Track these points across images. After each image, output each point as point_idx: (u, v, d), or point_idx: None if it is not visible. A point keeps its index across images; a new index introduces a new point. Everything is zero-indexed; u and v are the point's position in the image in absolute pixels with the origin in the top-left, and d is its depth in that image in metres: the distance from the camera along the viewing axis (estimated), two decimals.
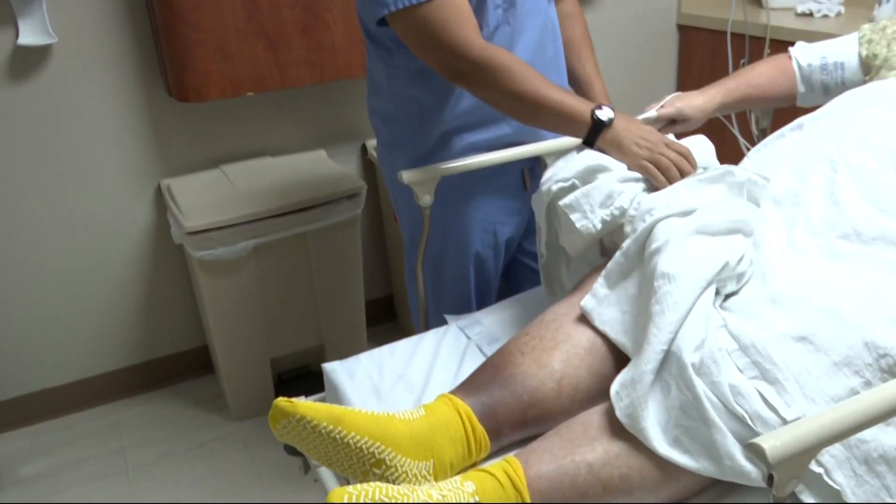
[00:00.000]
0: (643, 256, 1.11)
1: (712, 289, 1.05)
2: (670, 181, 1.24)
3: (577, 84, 1.58)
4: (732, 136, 2.55)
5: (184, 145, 2.19)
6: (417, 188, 1.42)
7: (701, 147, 1.35)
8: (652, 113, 1.57)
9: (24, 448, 2.18)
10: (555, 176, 1.27)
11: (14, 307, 2.18)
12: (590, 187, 1.22)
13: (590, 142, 1.29)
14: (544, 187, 1.27)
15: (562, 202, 1.24)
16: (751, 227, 1.16)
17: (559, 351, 1.13)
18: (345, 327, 2.27)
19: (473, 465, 1.09)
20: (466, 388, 1.11)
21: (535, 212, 1.33)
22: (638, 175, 1.25)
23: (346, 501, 0.87)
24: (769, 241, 1.19)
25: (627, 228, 1.17)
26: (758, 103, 1.66)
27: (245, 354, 2.15)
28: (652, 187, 1.25)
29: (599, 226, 1.21)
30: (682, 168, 1.24)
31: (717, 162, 1.35)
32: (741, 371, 0.99)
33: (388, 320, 2.63)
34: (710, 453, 0.95)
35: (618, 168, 1.25)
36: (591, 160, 1.26)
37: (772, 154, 1.39)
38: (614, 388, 1.02)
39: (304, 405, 1.00)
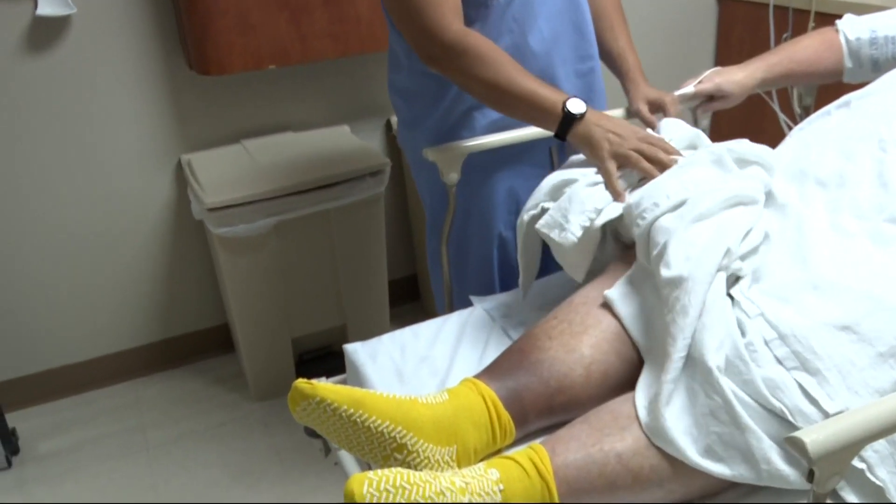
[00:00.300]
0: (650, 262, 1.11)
1: (721, 281, 1.03)
2: (651, 171, 1.21)
3: (609, 58, 1.55)
4: (773, 113, 2.50)
5: (204, 119, 2.19)
6: (443, 165, 1.40)
7: (678, 128, 1.31)
8: (689, 89, 1.54)
9: (44, 424, 2.21)
10: (525, 206, 1.29)
11: (33, 283, 2.20)
12: (560, 201, 1.23)
13: (561, 135, 1.28)
14: (518, 220, 1.29)
15: (537, 225, 1.24)
16: (752, 193, 1.15)
17: (588, 336, 1.11)
18: (367, 307, 2.27)
19: (497, 452, 1.08)
20: (492, 373, 1.10)
21: (518, 246, 1.33)
22: (601, 179, 1.23)
23: (366, 487, 0.86)
24: (811, 224, 1.16)
25: (634, 230, 1.16)
26: (801, 79, 1.61)
27: (265, 334, 2.16)
28: (631, 183, 1.23)
29: (579, 232, 1.19)
30: (658, 158, 1.22)
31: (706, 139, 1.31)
32: (780, 362, 0.97)
33: (411, 301, 2.62)
34: (746, 459, 0.94)
35: (583, 176, 1.25)
36: (555, 178, 1.26)
37: (816, 133, 1.36)
38: (640, 400, 1.01)
39: (323, 387, 0.99)
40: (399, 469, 0.90)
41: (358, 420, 0.99)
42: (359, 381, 1.28)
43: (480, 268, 1.59)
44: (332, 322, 2.25)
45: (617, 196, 1.23)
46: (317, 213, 2.04)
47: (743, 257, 1.09)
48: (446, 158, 1.40)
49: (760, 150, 1.28)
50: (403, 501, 0.87)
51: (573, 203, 1.22)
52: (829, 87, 1.72)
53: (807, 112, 1.74)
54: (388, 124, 2.38)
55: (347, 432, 1.00)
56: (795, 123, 1.91)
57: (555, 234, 1.22)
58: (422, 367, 1.27)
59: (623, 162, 1.23)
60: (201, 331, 2.42)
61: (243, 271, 2.05)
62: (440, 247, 1.56)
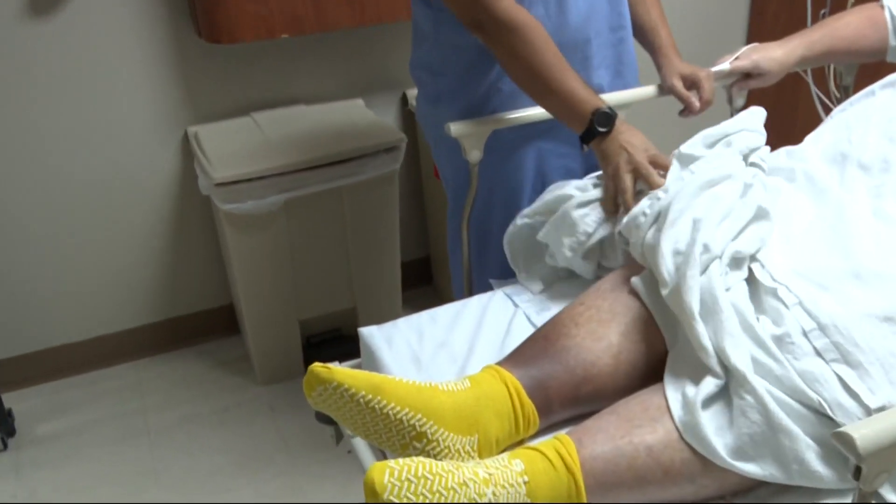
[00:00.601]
0: None
1: (714, 278, 1.03)
2: (651, 186, 1.24)
3: (641, 32, 1.54)
4: (807, 94, 2.48)
5: (213, 90, 2.19)
6: (466, 142, 1.40)
7: (754, 119, 1.31)
8: (725, 66, 1.53)
9: (42, 405, 2.23)
10: (521, 213, 1.38)
11: (32, 258, 2.21)
12: (555, 219, 1.32)
13: (584, 141, 1.32)
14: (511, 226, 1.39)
15: (539, 236, 1.34)
16: (723, 172, 1.15)
17: (617, 323, 1.11)
18: (379, 290, 2.27)
19: (520, 443, 1.08)
20: (515, 360, 1.10)
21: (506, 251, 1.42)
22: (595, 196, 1.30)
23: (387, 476, 0.86)
24: (853, 209, 1.16)
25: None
26: (842, 58, 1.60)
27: (273, 315, 2.17)
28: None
29: (570, 254, 1.29)
30: (651, 181, 1.25)
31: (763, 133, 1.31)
32: (819, 354, 0.97)
33: (423, 284, 2.63)
34: (777, 459, 0.94)
35: (579, 193, 1.32)
36: (556, 190, 1.35)
37: (858, 114, 1.35)
38: (670, 392, 1.01)
39: (341, 372, 1.00)
40: (421, 458, 0.90)
41: (376, 407, 0.99)
42: (374, 366, 1.29)
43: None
44: (342, 304, 2.26)
45: (607, 210, 1.28)
46: (328, 190, 2.04)
47: (735, 237, 1.09)
48: (469, 135, 1.40)
49: (735, 125, 1.28)
50: (425, 491, 0.87)
51: (564, 225, 1.30)
52: (869, 66, 1.71)
53: (846, 92, 1.73)
54: (404, 98, 2.37)
55: (365, 419, 1.01)
56: (832, 104, 1.90)
57: (550, 248, 1.32)
58: (440, 352, 1.27)
59: (620, 180, 1.27)
60: (205, 311, 2.43)
61: (251, 250, 2.05)
62: (461, 228, 1.56)
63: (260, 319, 2.17)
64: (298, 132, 2.11)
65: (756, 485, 0.99)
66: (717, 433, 0.96)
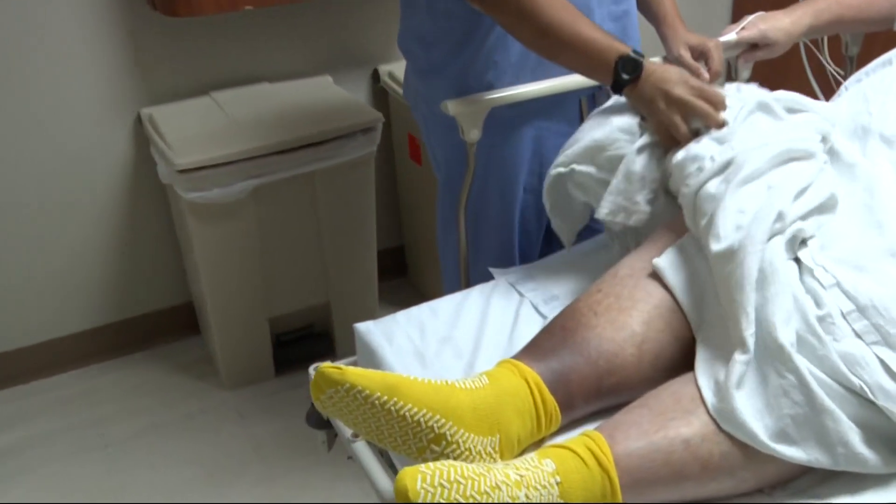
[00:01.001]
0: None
1: (777, 247, 1.05)
2: (710, 125, 1.24)
3: (643, 1, 1.55)
4: (797, 66, 2.52)
5: (168, 68, 2.15)
6: (464, 120, 1.40)
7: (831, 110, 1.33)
8: (731, 36, 1.54)
9: None
10: (555, 161, 1.34)
11: None
12: (616, 183, 1.27)
13: (616, 90, 1.31)
14: (546, 178, 1.35)
15: (600, 215, 1.28)
16: (805, 146, 1.17)
17: (638, 311, 1.12)
18: (354, 282, 2.26)
19: (540, 442, 1.08)
20: (532, 353, 1.10)
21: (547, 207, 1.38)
22: (650, 139, 1.27)
23: (419, 482, 0.86)
24: (882, 184, 1.18)
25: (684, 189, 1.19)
26: (850, 26, 1.63)
27: (240, 313, 2.15)
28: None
29: (649, 209, 1.25)
30: (706, 113, 1.25)
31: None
32: (859, 336, 0.99)
33: (397, 276, 2.62)
34: (821, 441, 0.95)
35: (626, 138, 1.28)
36: (589, 138, 1.30)
37: (877, 85, 1.37)
38: (703, 381, 1.02)
39: (354, 372, 0.99)
40: (451, 462, 0.90)
41: (392, 409, 0.98)
42: (374, 364, 1.27)
43: (499, 236, 1.59)
44: (315, 300, 2.24)
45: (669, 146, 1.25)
46: (300, 175, 2.03)
47: (804, 217, 1.10)
48: (468, 113, 1.39)
49: (812, 102, 1.30)
50: (458, 497, 0.87)
51: (633, 182, 1.25)
52: (875, 36, 1.75)
53: (852, 63, 1.76)
54: (376, 75, 2.36)
55: (379, 422, 1.00)
56: (829, 75, 1.93)
57: (623, 220, 1.27)
58: (444, 348, 1.27)
59: (670, 122, 1.25)
60: (162, 310, 2.40)
61: (217, 241, 2.03)
62: (455, 212, 1.55)
63: (226, 318, 2.14)
64: (265, 113, 2.08)
65: (796, 474, 1.00)
66: (755, 416, 0.97)
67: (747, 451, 0.98)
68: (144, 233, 2.29)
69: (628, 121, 1.32)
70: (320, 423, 1.38)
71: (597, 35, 1.30)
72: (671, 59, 1.51)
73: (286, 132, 2.00)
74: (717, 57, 1.47)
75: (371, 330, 1.31)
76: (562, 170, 1.34)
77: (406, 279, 2.64)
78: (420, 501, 0.85)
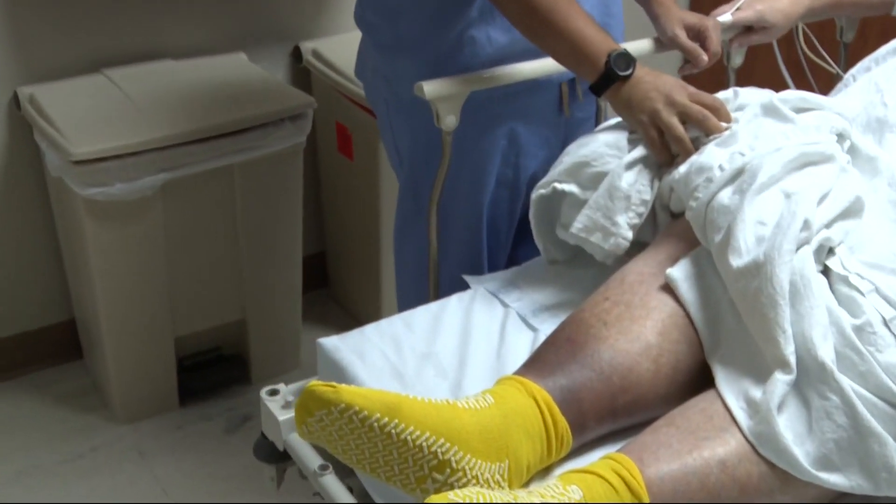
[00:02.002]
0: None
1: (807, 258, 1.11)
2: (707, 132, 1.32)
3: None
4: (766, 54, 2.64)
5: (50, 40, 2.11)
6: (441, 106, 1.42)
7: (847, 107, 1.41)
8: (727, 17, 1.62)
9: None
10: (539, 183, 1.40)
11: None
12: (597, 197, 1.32)
13: (597, 90, 1.38)
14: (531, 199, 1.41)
15: (573, 229, 1.33)
16: (821, 149, 1.24)
17: (653, 321, 1.17)
18: (275, 296, 2.26)
19: (548, 470, 1.12)
20: (537, 369, 1.13)
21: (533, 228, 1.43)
22: (641, 153, 1.33)
23: None
24: None
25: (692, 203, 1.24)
26: (849, 10, 1.74)
27: (142, 332, 2.12)
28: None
29: (631, 234, 1.31)
30: (707, 125, 1.32)
31: None
32: None
33: (317, 287, 2.61)
34: (865, 467, 1.02)
35: (614, 153, 1.35)
36: (578, 154, 1.37)
37: (890, 73, 1.47)
38: (731, 400, 1.08)
39: (350, 391, 1.01)
40: (479, 489, 0.93)
41: (393, 432, 1.00)
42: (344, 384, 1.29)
43: (466, 238, 1.62)
44: (229, 315, 2.23)
45: (665, 163, 1.33)
46: (217, 168, 2.02)
47: (829, 224, 1.18)
48: (446, 97, 1.42)
49: (821, 98, 1.38)
50: None
51: (615, 199, 1.31)
52: (871, 22, 1.86)
53: (846, 49, 1.87)
54: (297, 52, 2.36)
55: (375, 448, 1.02)
56: (804, 64, 2.03)
57: (599, 239, 1.32)
58: (425, 365, 1.29)
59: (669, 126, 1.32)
60: (38, 330, 2.34)
61: (117, 246, 2.00)
62: (418, 211, 1.57)
63: (124, 337, 2.10)
64: (172, 95, 2.06)
65: (837, 497, 1.07)
66: (796, 441, 1.03)
67: (786, 472, 1.04)
68: (17, 235, 2.23)
69: (616, 136, 1.39)
70: (272, 455, 1.38)
71: (589, 26, 1.36)
72: (664, 40, 1.57)
73: (200, 118, 1.99)
74: (716, 38, 1.54)
75: (338, 346, 1.33)
76: (543, 192, 1.40)
77: (327, 291, 2.65)
78: None
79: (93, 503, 1.93)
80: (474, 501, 0.91)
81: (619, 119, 1.43)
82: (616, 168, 1.32)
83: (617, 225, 1.30)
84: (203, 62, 2.22)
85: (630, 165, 1.32)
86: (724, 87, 1.44)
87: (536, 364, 1.15)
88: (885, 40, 1.54)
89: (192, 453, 2.12)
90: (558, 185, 1.37)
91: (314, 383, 1.02)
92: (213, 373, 2.28)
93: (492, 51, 1.48)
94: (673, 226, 1.32)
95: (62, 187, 1.99)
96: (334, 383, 1.02)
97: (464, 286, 1.47)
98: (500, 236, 1.65)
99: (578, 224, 1.32)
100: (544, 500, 0.97)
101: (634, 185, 1.31)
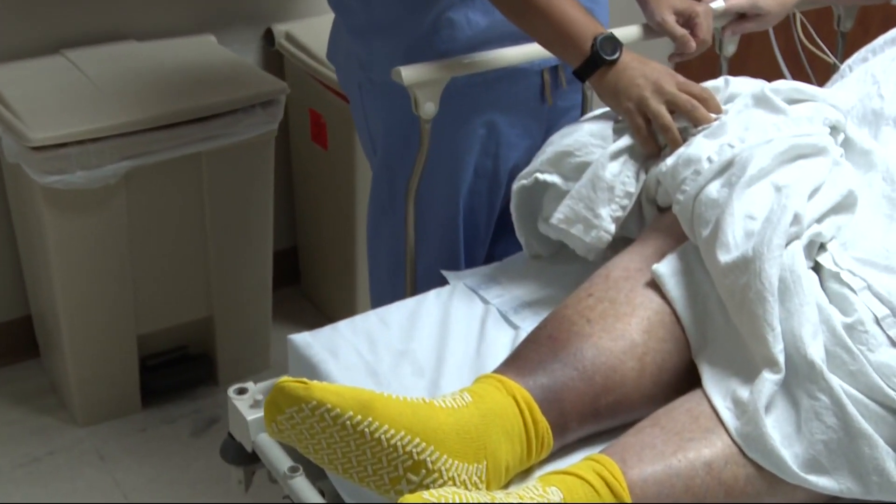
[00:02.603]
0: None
1: (797, 254, 1.14)
2: (696, 122, 1.35)
3: None
4: (761, 42, 2.67)
5: (7, 18, 2.12)
6: (419, 92, 1.44)
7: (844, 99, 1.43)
8: (719, 3, 1.65)
9: None
10: (520, 174, 1.42)
11: None
12: (579, 187, 1.35)
13: (581, 75, 1.41)
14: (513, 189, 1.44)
15: (553, 220, 1.36)
16: (813, 141, 1.27)
17: (638, 318, 1.19)
18: (244, 292, 2.28)
19: (527, 472, 1.14)
20: (517, 367, 1.16)
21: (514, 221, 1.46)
22: (627, 143, 1.36)
23: None
24: None
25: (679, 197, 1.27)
26: None
27: (102, 329, 2.13)
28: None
29: (613, 228, 1.34)
30: (695, 115, 1.35)
31: None
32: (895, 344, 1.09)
33: (288, 284, 2.63)
34: (855, 470, 1.05)
35: (598, 143, 1.38)
36: (561, 143, 1.40)
37: (888, 64, 1.50)
38: (717, 399, 1.10)
39: (322, 387, 1.02)
40: (454, 489, 0.95)
41: (367, 431, 1.02)
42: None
43: (442, 231, 1.65)
44: (195, 313, 2.24)
45: (652, 153, 1.35)
46: (185, 157, 2.03)
47: (820, 219, 1.21)
48: (425, 83, 1.44)
49: (816, 89, 1.41)
50: None
51: (598, 190, 1.33)
52: (873, 11, 1.90)
53: (844, 38, 1.91)
54: (269, 35, 2.37)
55: (347, 448, 1.04)
56: (801, 53, 2.07)
57: (580, 231, 1.34)
58: (401, 363, 1.31)
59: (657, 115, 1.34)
60: None
61: (77, 237, 2.01)
62: (395, 203, 1.60)
63: (85, 336, 2.12)
64: (137, 78, 2.08)
65: (827, 500, 1.10)
66: (783, 443, 1.06)
67: (774, 474, 1.06)
68: None
69: (601, 126, 1.42)
70: (240, 456, 1.40)
71: (575, 7, 1.39)
72: (653, 24, 1.60)
73: (166, 103, 2.00)
74: (707, 24, 1.57)
75: (309, 343, 1.35)
76: (524, 182, 1.43)
77: (298, 288, 2.66)
78: None
79: None
80: (450, 501, 0.93)
81: (605, 109, 1.45)
82: (600, 158, 1.34)
83: (599, 217, 1.32)
84: (169, 44, 2.23)
85: (615, 155, 1.35)
86: (716, 76, 1.47)
87: (517, 362, 1.17)
88: (887, 30, 1.57)
89: (155, 457, 2.13)
90: (540, 176, 1.40)
91: (284, 379, 1.04)
92: (178, 373, 2.29)
93: (471, 33, 1.50)
94: (659, 220, 1.34)
95: (19, 174, 2.00)
96: (305, 379, 1.04)
97: (441, 282, 1.50)
98: (478, 230, 1.68)
99: (559, 215, 1.34)
100: (523, 502, 0.99)
101: (619, 176, 1.33)
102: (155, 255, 2.13)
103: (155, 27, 2.26)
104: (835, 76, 1.61)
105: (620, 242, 1.37)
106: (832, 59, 1.88)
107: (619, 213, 1.34)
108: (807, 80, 1.58)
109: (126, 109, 1.97)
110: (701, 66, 1.71)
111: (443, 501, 0.93)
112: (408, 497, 0.93)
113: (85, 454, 2.15)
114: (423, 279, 1.60)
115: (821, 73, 1.84)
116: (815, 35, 1.95)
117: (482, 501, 0.96)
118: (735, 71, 1.61)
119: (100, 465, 2.12)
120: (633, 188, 1.34)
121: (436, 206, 1.63)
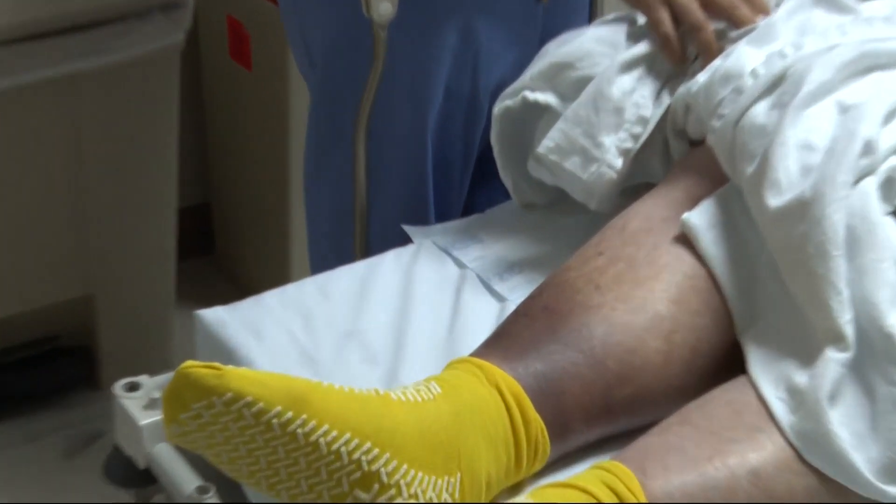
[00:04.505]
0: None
1: (869, 194, 1.15)
2: (737, 23, 1.35)
3: None
4: None
5: None
6: None
7: None
8: None
9: None
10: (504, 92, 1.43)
11: None
12: (577, 107, 1.35)
13: None
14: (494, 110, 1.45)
15: (541, 149, 1.36)
16: (891, 46, 1.28)
17: (664, 284, 1.19)
18: (137, 264, 2.28)
19: (518, 486, 1.14)
20: (504, 349, 1.16)
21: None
22: (644, 50, 1.36)
23: None
24: None
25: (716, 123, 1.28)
26: None
27: None
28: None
29: (620, 162, 1.33)
30: (737, 14, 1.36)
31: None
32: None
33: (198, 252, 2.63)
34: None
35: (605, 50, 1.38)
36: (560, 52, 1.40)
37: None
38: (766, 388, 1.11)
39: (241, 375, 1.01)
40: None
41: (300, 432, 1.01)
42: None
43: (404, 174, 1.65)
44: (68, 292, 2.25)
45: (678, 62, 1.35)
46: (56, 79, 2.03)
47: None
48: None
49: None
50: None
51: (602, 112, 1.33)
52: None
53: None
54: None
55: (275, 456, 1.03)
56: None
57: (575, 166, 1.34)
58: (348, 347, 1.31)
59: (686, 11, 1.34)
60: None
61: None
62: (341, 138, 1.60)
63: None
64: None
65: None
66: (855, 444, 1.06)
67: (842, 485, 1.07)
68: None
69: (612, 30, 1.42)
70: (130, 476, 1.39)
71: None
72: None
73: (32, 7, 1.99)
74: None
75: (224, 321, 1.34)
76: (510, 103, 1.43)
77: (211, 257, 2.67)
78: None
79: None
80: None
81: (618, 13, 1.45)
82: (606, 70, 1.34)
83: (601, 147, 1.32)
84: None
85: (626, 67, 1.35)
86: None
87: (503, 342, 1.17)
88: None
89: (11, 487, 2.13)
90: (529, 95, 1.39)
91: (189, 363, 1.03)
92: (45, 373, 2.31)
93: None
94: (691, 156, 1.34)
95: None
96: (218, 364, 1.03)
97: (403, 240, 1.50)
98: (452, 171, 1.68)
99: (549, 142, 1.34)
100: None
101: (631, 94, 1.33)
102: (13, 212, 2.13)
103: None
104: None
105: (642, 189, 1.37)
106: None
107: (629, 145, 1.34)
108: None
109: None
110: None
111: None
112: None
113: None
114: (379, 237, 1.60)
115: None
116: None
117: None
118: None
119: None
120: (648, 111, 1.33)
121: (396, 141, 1.63)
